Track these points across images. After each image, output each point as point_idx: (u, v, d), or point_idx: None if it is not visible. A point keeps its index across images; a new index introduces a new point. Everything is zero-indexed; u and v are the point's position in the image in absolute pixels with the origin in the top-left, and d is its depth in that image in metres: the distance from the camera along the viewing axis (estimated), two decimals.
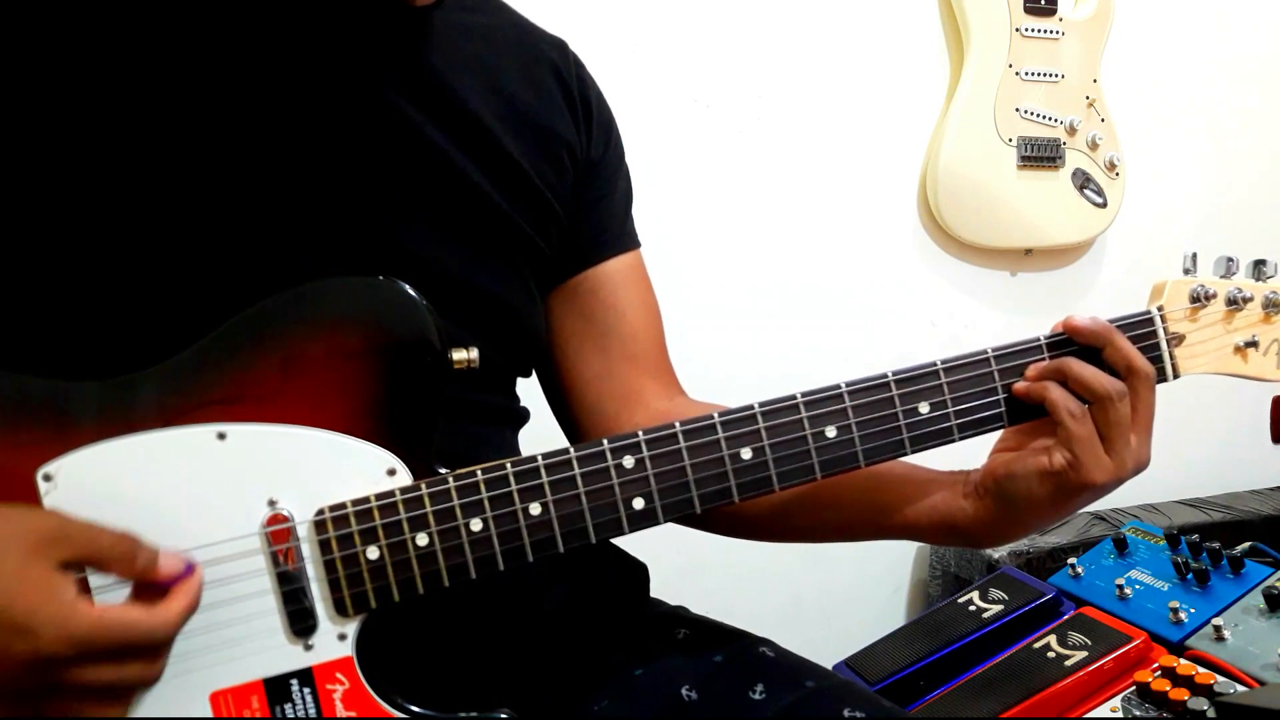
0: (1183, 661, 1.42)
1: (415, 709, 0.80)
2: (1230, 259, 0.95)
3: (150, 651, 0.72)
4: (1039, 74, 2.00)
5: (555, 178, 1.01)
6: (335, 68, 0.89)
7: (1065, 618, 1.58)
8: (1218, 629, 1.48)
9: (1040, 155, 2.01)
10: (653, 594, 1.10)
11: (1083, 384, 0.88)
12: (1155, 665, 1.43)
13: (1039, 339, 0.91)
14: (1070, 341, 0.91)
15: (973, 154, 1.99)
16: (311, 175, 0.87)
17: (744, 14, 1.89)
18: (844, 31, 1.96)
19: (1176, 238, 2.21)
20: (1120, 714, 1.40)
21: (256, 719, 0.78)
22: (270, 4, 0.88)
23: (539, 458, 0.82)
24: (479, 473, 0.81)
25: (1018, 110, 2.00)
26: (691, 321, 1.78)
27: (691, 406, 1.06)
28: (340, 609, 0.79)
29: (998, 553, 1.83)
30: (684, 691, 0.94)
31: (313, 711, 0.78)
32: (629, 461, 0.83)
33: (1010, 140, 2.00)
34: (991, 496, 0.91)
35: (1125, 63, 2.12)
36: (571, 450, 0.83)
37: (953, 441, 0.90)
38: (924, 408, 0.88)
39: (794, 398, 0.86)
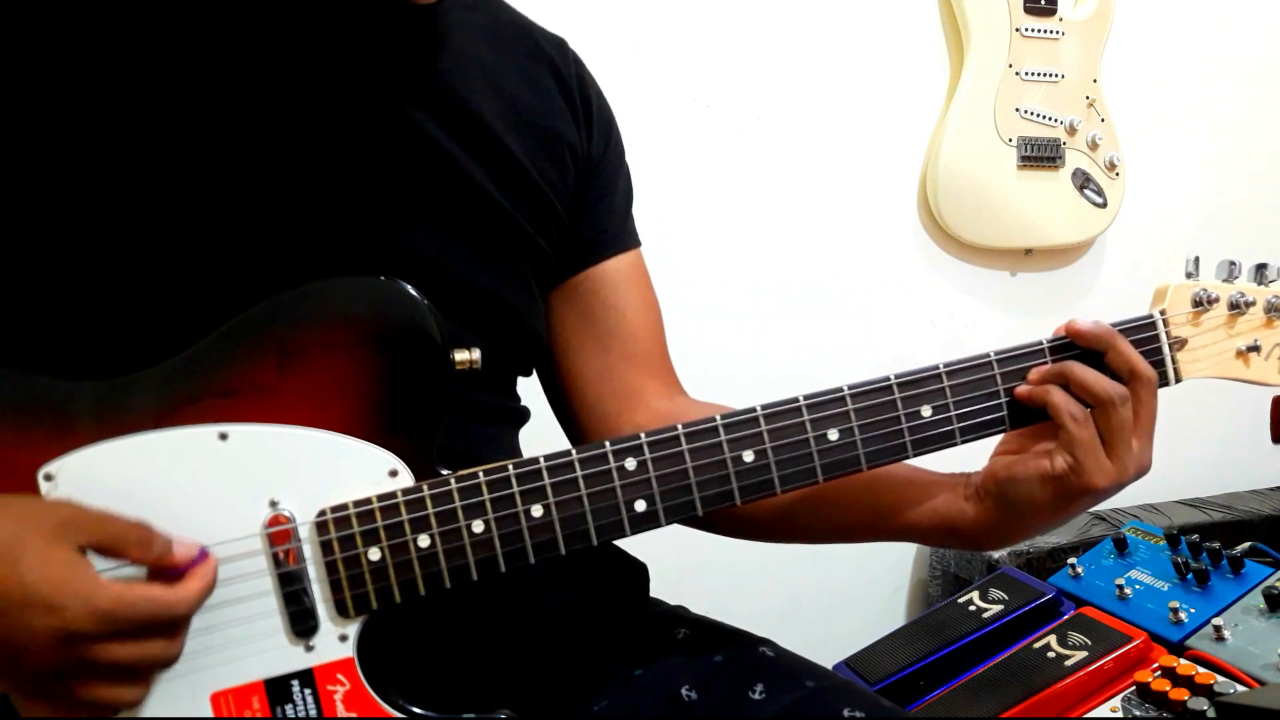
0: (1183, 661, 1.42)
1: (416, 710, 0.80)
2: (1233, 263, 0.95)
3: (171, 628, 0.74)
4: (1039, 74, 2.00)
5: (557, 177, 1.01)
6: (336, 66, 0.89)
7: (1065, 618, 1.58)
8: (1218, 629, 1.48)
9: (1040, 155, 2.01)
10: (653, 594, 1.10)
11: (1085, 388, 0.88)
12: (1155, 665, 1.43)
13: (1041, 342, 0.91)
14: (1072, 345, 0.91)
15: (973, 154, 1.99)
16: (312, 174, 0.87)
17: (744, 14, 1.89)
18: (844, 31, 1.96)
19: (1176, 238, 2.21)
20: (1120, 714, 1.40)
21: (257, 719, 0.78)
22: (271, 3, 0.87)
23: (541, 459, 0.82)
24: (481, 474, 0.81)
25: (1018, 110, 2.00)
26: (692, 321, 1.78)
27: (692, 406, 1.06)
28: (341, 610, 0.79)
29: (998, 553, 1.83)
30: (684, 691, 0.94)
31: (314, 712, 0.78)
32: (631, 463, 0.83)
33: (1010, 140, 2.00)
34: (993, 499, 0.91)
35: (1125, 63, 2.12)
36: (574, 452, 0.83)
37: (955, 444, 0.90)
38: (926, 410, 0.88)
39: (796, 400, 0.86)
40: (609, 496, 0.83)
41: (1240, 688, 1.36)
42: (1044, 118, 2.01)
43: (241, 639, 0.78)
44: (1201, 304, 0.94)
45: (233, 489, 0.78)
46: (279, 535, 0.78)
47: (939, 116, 2.02)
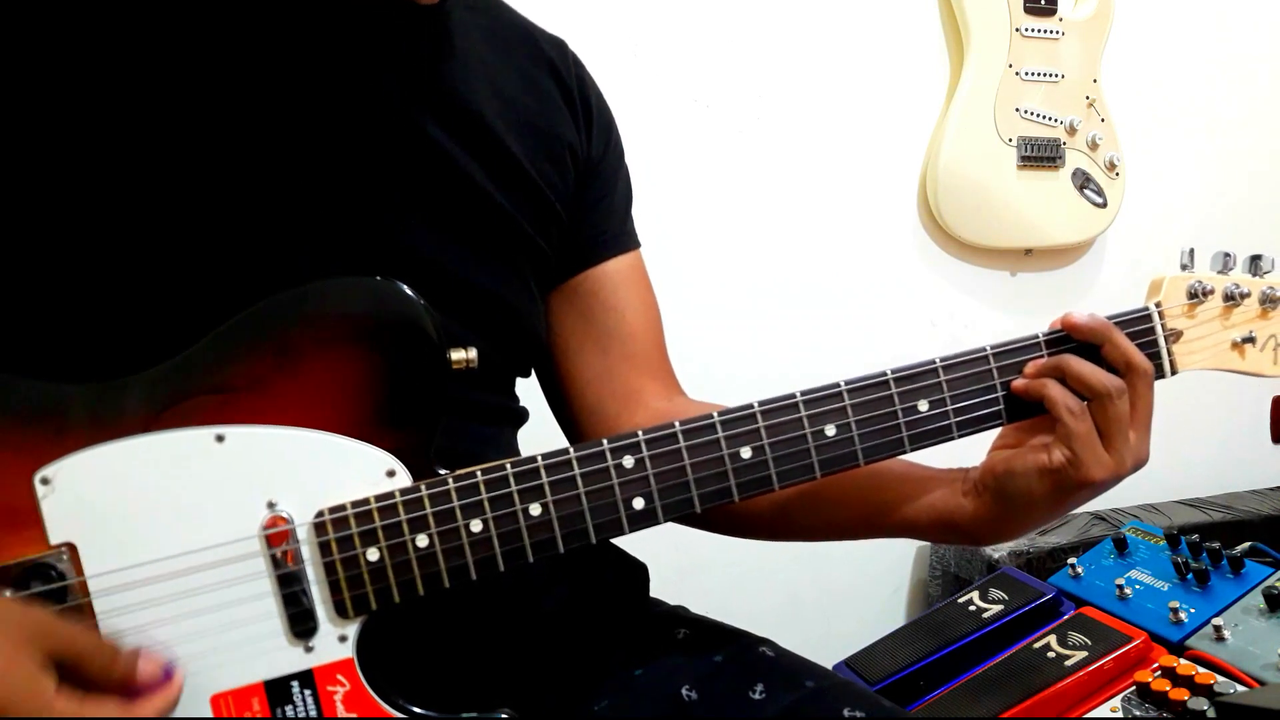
0: (1183, 661, 1.42)
1: (416, 710, 0.80)
2: (1227, 254, 0.95)
3: None
4: (1039, 74, 2.00)
5: (557, 178, 1.01)
6: (336, 66, 0.89)
7: (1065, 618, 1.58)
8: (1218, 629, 1.47)
9: (1040, 155, 2.01)
10: (653, 594, 1.10)
11: (1081, 381, 0.88)
12: (1155, 665, 1.43)
13: (1037, 336, 0.91)
14: (1068, 338, 0.91)
15: (973, 154, 1.99)
16: (312, 174, 0.87)
17: (744, 14, 1.89)
18: (844, 31, 1.96)
19: (1176, 238, 2.20)
20: (1120, 714, 1.40)
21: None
22: (272, 2, 0.87)
23: (539, 458, 0.82)
24: (479, 473, 0.81)
25: (1018, 110, 2.00)
26: (691, 321, 1.78)
27: (691, 407, 1.06)
28: (341, 610, 0.79)
29: (998, 553, 1.83)
30: (684, 691, 0.94)
31: (314, 713, 0.78)
32: (629, 461, 0.83)
33: (1010, 140, 2.00)
34: (991, 494, 0.91)
35: (1125, 63, 2.12)
36: (571, 450, 0.83)
37: (952, 439, 0.90)
38: (923, 405, 0.88)
39: (793, 396, 0.86)
40: (607, 495, 0.83)
41: (1240, 688, 1.36)
42: (1044, 118, 2.01)
43: (241, 640, 0.78)
44: (1196, 296, 0.94)
45: (230, 491, 0.78)
46: (277, 536, 0.78)
47: (939, 116, 2.02)
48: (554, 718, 0.95)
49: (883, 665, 1.60)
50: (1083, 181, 2.06)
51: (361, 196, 0.89)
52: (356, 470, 0.80)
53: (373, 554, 0.79)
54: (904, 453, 0.89)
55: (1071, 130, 2.03)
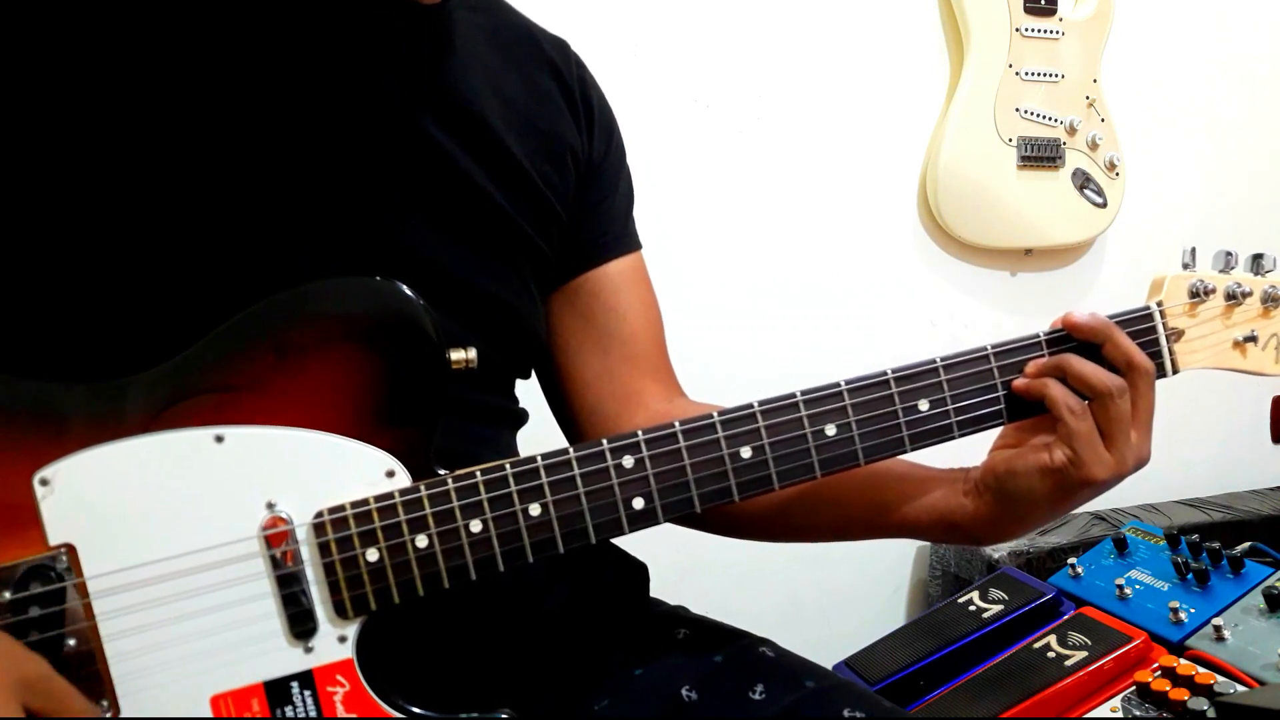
0: (1183, 661, 1.42)
1: (416, 710, 0.80)
2: (1229, 253, 0.95)
3: None
4: (1039, 74, 2.00)
5: (557, 179, 1.01)
6: (337, 66, 0.89)
7: (1065, 618, 1.58)
8: (1218, 629, 1.47)
9: (1040, 155, 2.01)
10: (653, 594, 1.10)
11: (1082, 380, 0.88)
12: (1155, 665, 1.43)
13: (1038, 335, 0.91)
14: (1069, 338, 0.91)
15: (973, 154, 1.99)
16: (312, 174, 0.87)
17: (744, 14, 1.89)
18: (844, 31, 1.96)
19: (1176, 238, 2.20)
20: (1120, 714, 1.40)
21: None
22: (273, 3, 0.87)
23: (538, 458, 0.82)
24: (478, 474, 0.81)
25: (1018, 110, 2.00)
26: (691, 322, 1.78)
27: (692, 408, 1.06)
28: (340, 611, 0.79)
29: (998, 553, 1.83)
30: (684, 691, 0.94)
31: (313, 713, 0.78)
32: (628, 461, 0.83)
33: (1010, 140, 2.00)
34: (992, 493, 0.91)
35: (1125, 63, 2.12)
36: (571, 450, 0.83)
37: (953, 439, 0.90)
38: (924, 405, 0.88)
39: (793, 396, 0.86)
40: (607, 495, 0.83)
41: (1240, 688, 1.36)
42: (1044, 118, 2.01)
43: (240, 641, 0.78)
44: (1198, 295, 0.94)
45: (230, 491, 0.78)
46: (276, 537, 0.78)
47: (939, 116, 2.02)
48: (554, 717, 0.95)
49: (883, 665, 1.60)
50: (1083, 181, 2.05)
51: (361, 196, 0.89)
52: (356, 471, 0.80)
53: (372, 554, 0.79)
54: (904, 452, 0.89)
55: (1071, 130, 2.03)
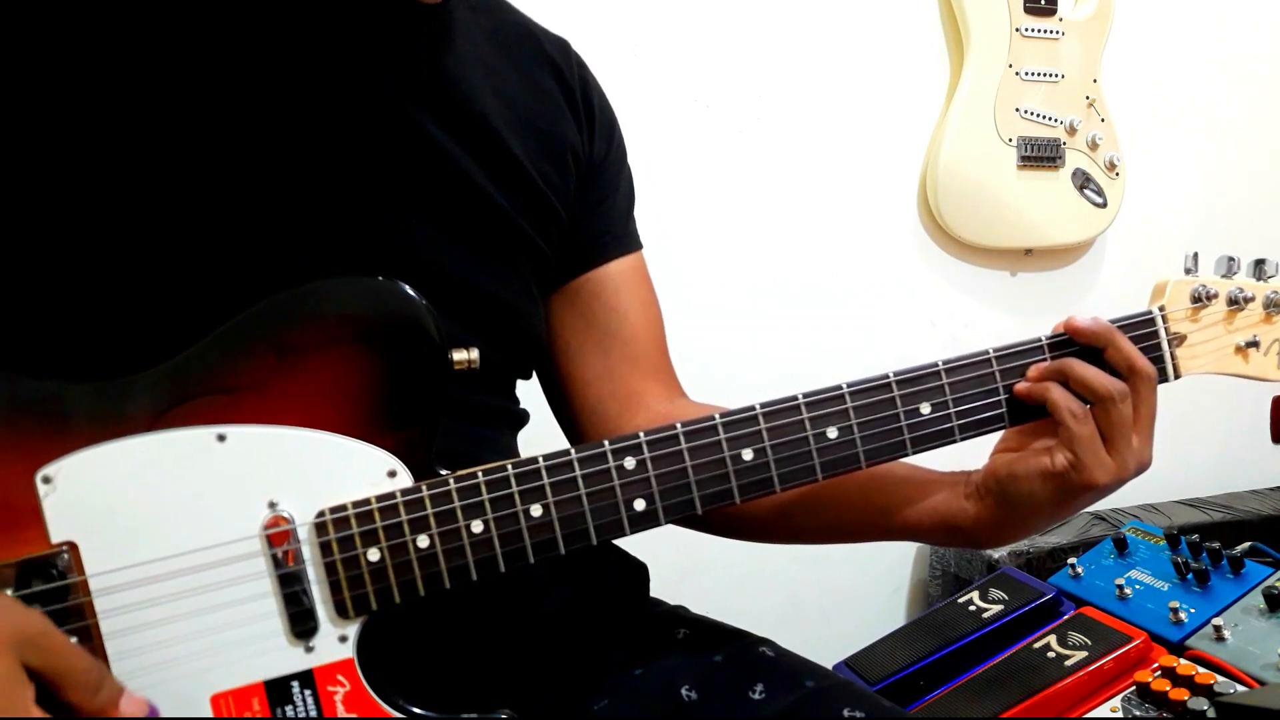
0: (1183, 661, 1.42)
1: (416, 710, 0.80)
2: (1231, 259, 0.95)
3: None
4: (1039, 74, 2.00)
5: (558, 179, 1.01)
6: (337, 66, 0.89)
7: (1065, 618, 1.58)
8: (1218, 629, 1.48)
9: (1040, 155, 2.01)
10: (653, 594, 1.10)
11: (1084, 384, 0.88)
12: (1155, 665, 1.43)
13: (1040, 339, 0.91)
14: (1071, 342, 0.91)
15: (973, 154, 1.99)
16: (312, 174, 0.87)
17: (744, 14, 1.89)
18: (844, 31, 1.96)
19: (1176, 238, 2.21)
20: (1120, 714, 1.40)
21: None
22: (273, 2, 0.87)
23: (540, 459, 0.82)
24: (480, 474, 0.81)
25: (1018, 110, 2.00)
26: (692, 322, 1.78)
27: (692, 408, 1.06)
28: (341, 611, 0.79)
29: (998, 553, 1.83)
30: (684, 691, 0.94)
31: (314, 713, 0.78)
32: (630, 462, 0.83)
33: (1010, 140, 2.00)
34: (993, 497, 0.91)
35: (1125, 63, 2.12)
36: (573, 451, 0.83)
37: (954, 442, 0.90)
38: (925, 408, 0.88)
39: (795, 398, 0.86)
40: (608, 496, 0.83)
41: (1240, 688, 1.36)
42: (1044, 118, 2.01)
43: (241, 640, 0.78)
44: (1200, 300, 0.95)
45: (231, 490, 0.78)
46: (278, 536, 0.78)
47: (939, 116, 2.02)
48: (554, 717, 0.95)
49: (883, 665, 1.60)
50: (1083, 181, 2.06)
51: (362, 196, 0.89)
52: (358, 470, 0.80)
53: (373, 554, 0.79)
54: (906, 455, 0.89)
55: (1071, 130, 2.03)
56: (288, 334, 0.80)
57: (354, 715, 0.79)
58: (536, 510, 0.81)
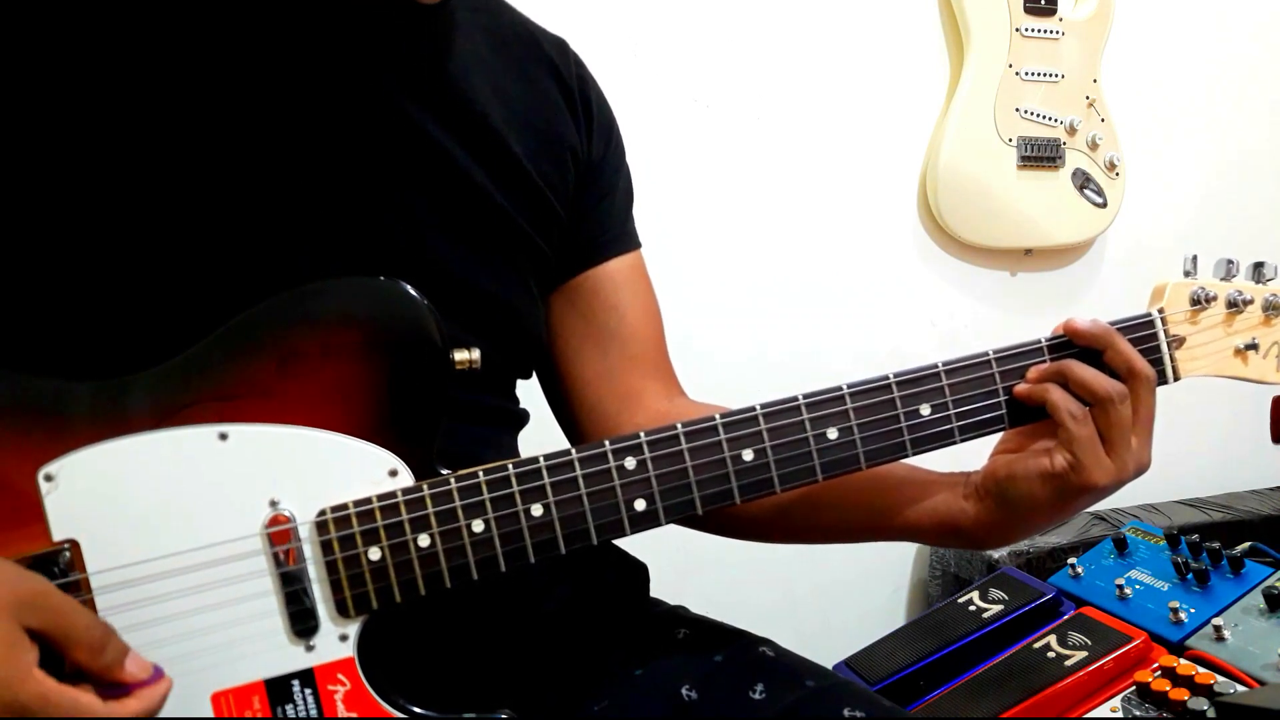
0: (1183, 661, 1.42)
1: (416, 710, 0.80)
2: (1230, 261, 0.96)
3: None
4: (1039, 74, 2.00)
5: (557, 179, 1.01)
6: (337, 66, 0.89)
7: (1065, 618, 1.58)
8: (1218, 629, 1.47)
9: (1040, 155, 2.01)
10: (653, 594, 1.10)
11: (1084, 386, 0.88)
12: (1155, 665, 1.43)
13: (1040, 341, 0.91)
14: (1071, 344, 0.91)
15: (973, 154, 1.99)
16: (312, 174, 0.87)
17: (744, 14, 1.89)
18: (844, 31, 1.96)
19: (1176, 238, 2.21)
20: (1120, 714, 1.40)
21: (258, 719, 0.78)
22: (273, 2, 0.87)
23: (541, 458, 0.82)
24: (481, 473, 0.81)
25: (1018, 110, 2.00)
26: (691, 321, 1.79)
27: (692, 407, 1.06)
28: (342, 610, 0.79)
29: (998, 553, 1.83)
30: (684, 691, 0.94)
31: (314, 712, 0.78)
32: (631, 462, 0.83)
33: (1010, 140, 2.00)
34: (992, 498, 0.91)
35: (1125, 63, 2.12)
36: (573, 451, 0.83)
37: (954, 443, 0.90)
38: (925, 409, 0.89)
39: (795, 399, 0.87)
40: (609, 496, 0.83)
41: (1240, 688, 1.36)
42: (1044, 118, 2.01)
43: (242, 639, 0.78)
44: (1199, 302, 0.95)
45: (233, 489, 0.78)
46: (279, 535, 0.78)
47: (939, 116, 2.02)
48: (554, 717, 0.95)
49: (883, 665, 1.60)
50: (1083, 181, 2.06)
51: (362, 196, 0.89)
52: (359, 469, 0.80)
53: (374, 553, 0.79)
54: (906, 456, 0.89)
55: (1071, 130, 2.03)
56: (289, 333, 0.80)
57: (354, 714, 0.79)
58: (537, 510, 0.82)
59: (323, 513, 0.79)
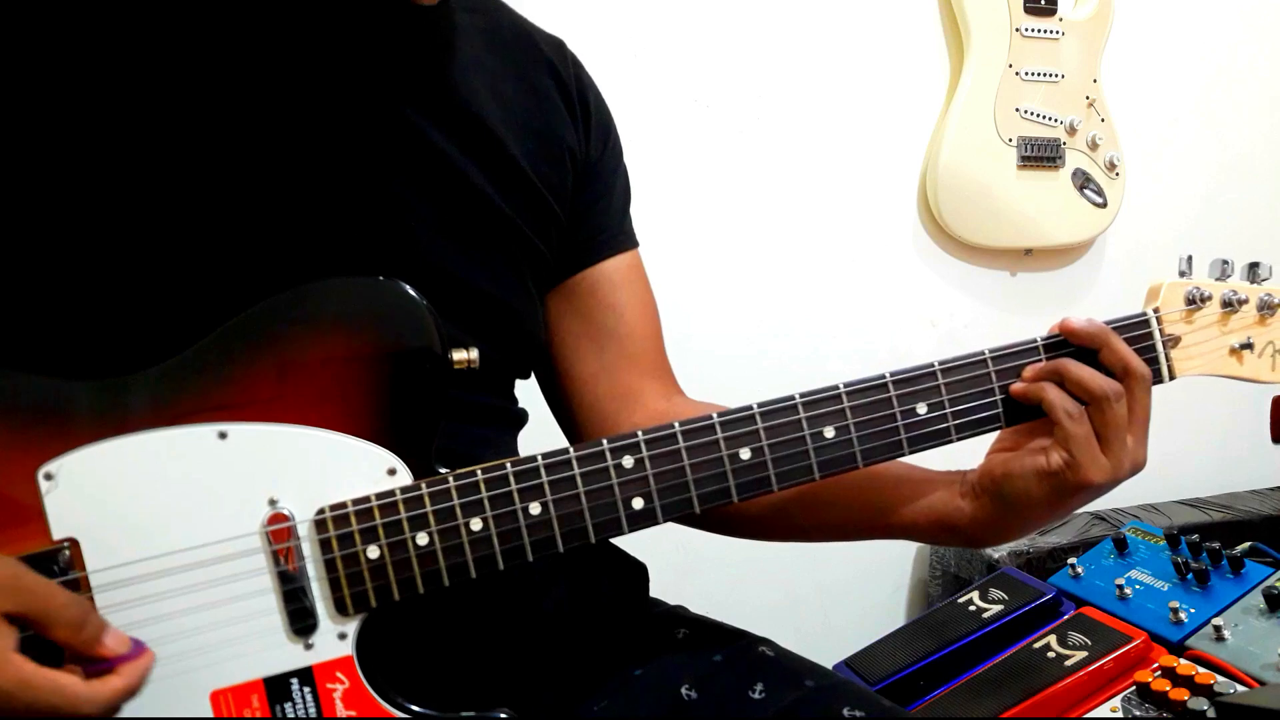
0: (1183, 661, 1.42)
1: (415, 708, 0.80)
2: (1225, 261, 0.96)
3: None
4: (1039, 74, 2.00)
5: (556, 180, 1.01)
6: (335, 67, 0.89)
7: (1065, 618, 1.58)
8: (1218, 629, 1.48)
9: (1040, 155, 2.01)
10: (652, 594, 1.10)
11: (1080, 385, 0.88)
12: (1155, 665, 1.43)
13: (1035, 340, 0.92)
14: (1067, 343, 0.91)
15: (973, 154, 1.99)
16: (311, 175, 0.87)
17: (744, 14, 1.89)
18: (844, 31, 1.96)
19: (1176, 238, 2.21)
20: (1120, 714, 1.40)
21: (257, 719, 0.78)
22: (272, 3, 0.88)
23: (539, 457, 0.82)
24: (479, 472, 0.81)
25: (1018, 110, 2.00)
26: (691, 321, 1.79)
27: (690, 406, 1.06)
28: (340, 608, 0.79)
29: (998, 553, 1.83)
30: (684, 691, 0.94)
31: (313, 711, 0.79)
32: (628, 461, 0.83)
33: (1010, 140, 2.00)
34: (989, 496, 0.91)
35: (1125, 63, 2.12)
36: (571, 450, 0.83)
37: (950, 442, 0.90)
38: (922, 408, 0.89)
39: (792, 398, 0.87)
40: (607, 494, 0.83)
41: (1240, 688, 1.36)
42: (1044, 118, 2.01)
43: (240, 637, 0.78)
44: (1195, 302, 0.95)
45: (232, 488, 0.78)
46: (278, 534, 0.79)
47: (939, 116, 2.02)
48: (553, 717, 0.95)
49: (883, 665, 1.60)
50: (1083, 181, 2.06)
51: (361, 197, 0.89)
52: (358, 468, 0.80)
53: (373, 552, 0.79)
54: (902, 455, 0.89)
55: (1071, 130, 2.03)
56: (289, 333, 0.81)
57: (352, 713, 0.79)
58: (535, 509, 0.82)
59: (321, 511, 0.79)
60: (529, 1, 1.09)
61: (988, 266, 2.10)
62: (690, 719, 0.92)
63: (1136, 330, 0.93)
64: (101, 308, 0.84)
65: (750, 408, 0.86)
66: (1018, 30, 1.98)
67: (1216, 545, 1.64)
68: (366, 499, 0.80)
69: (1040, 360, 0.91)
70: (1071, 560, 1.75)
